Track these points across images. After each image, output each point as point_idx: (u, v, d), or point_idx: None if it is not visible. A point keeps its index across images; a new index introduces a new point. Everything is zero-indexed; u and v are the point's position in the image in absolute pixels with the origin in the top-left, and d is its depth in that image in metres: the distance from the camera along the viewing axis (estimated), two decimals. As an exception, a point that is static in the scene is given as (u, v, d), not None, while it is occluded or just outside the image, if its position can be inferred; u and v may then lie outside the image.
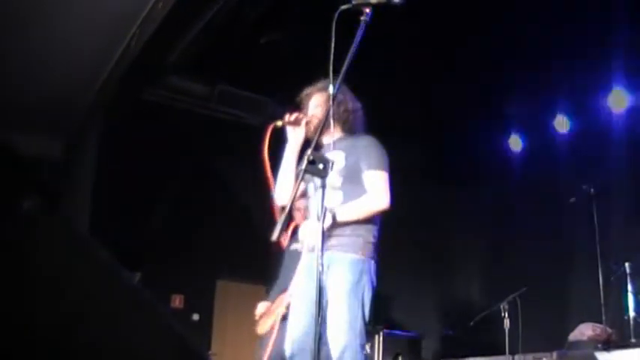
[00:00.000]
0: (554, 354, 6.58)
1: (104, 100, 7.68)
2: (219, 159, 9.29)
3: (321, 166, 3.04)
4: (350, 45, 3.17)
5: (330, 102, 3.41)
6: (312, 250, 3.99)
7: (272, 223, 4.28)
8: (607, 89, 7.93)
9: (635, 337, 6.32)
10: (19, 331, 1.10)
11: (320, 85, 4.17)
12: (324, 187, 3.11)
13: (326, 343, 3.75)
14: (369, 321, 7.19)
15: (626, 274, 6.54)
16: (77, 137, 8.19)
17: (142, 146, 8.26)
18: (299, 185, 3.25)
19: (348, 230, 3.85)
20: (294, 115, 4.14)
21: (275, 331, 6.40)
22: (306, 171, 3.05)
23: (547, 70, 7.75)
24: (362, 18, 3.20)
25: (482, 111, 8.68)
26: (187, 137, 8.96)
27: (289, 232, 6.60)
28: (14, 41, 6.51)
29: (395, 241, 9.22)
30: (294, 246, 6.32)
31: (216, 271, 9.39)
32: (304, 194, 4.16)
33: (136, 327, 1.28)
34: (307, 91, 4.30)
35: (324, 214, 3.11)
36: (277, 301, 6.40)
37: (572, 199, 7.19)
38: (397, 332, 7.85)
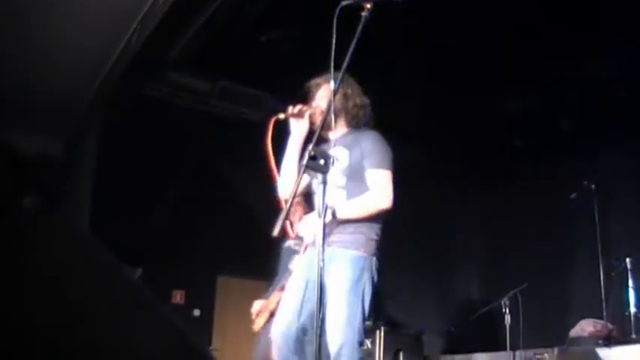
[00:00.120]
0: (555, 350, 6.58)
1: (105, 97, 7.67)
2: (221, 156, 9.28)
3: (322, 161, 3.03)
4: (351, 41, 3.17)
5: (332, 97, 3.40)
6: (313, 244, 4.00)
7: (274, 218, 4.30)
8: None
9: (636, 332, 6.33)
10: (19, 331, 1.10)
11: (330, 76, 4.14)
12: (325, 183, 3.10)
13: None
14: (370, 317, 7.27)
15: (626, 270, 6.55)
16: (78, 135, 8.18)
17: (142, 143, 8.25)
18: (300, 180, 3.25)
19: (350, 227, 3.84)
20: (298, 108, 4.12)
21: (265, 329, 6.48)
22: (307, 166, 3.04)
23: (547, 66, 7.74)
24: (363, 14, 3.19)
25: (482, 109, 8.67)
26: (188, 134, 8.95)
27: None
28: (14, 39, 6.50)
29: (396, 238, 9.23)
30: (288, 243, 6.34)
31: (218, 267, 9.38)
32: (309, 189, 4.14)
33: (137, 325, 1.28)
34: (317, 80, 4.26)
35: (325, 210, 3.10)
36: (271, 298, 6.43)
37: (573, 195, 7.19)
38: (398, 328, 7.85)
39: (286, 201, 3.45)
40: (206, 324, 9.14)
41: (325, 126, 3.50)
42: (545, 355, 6.71)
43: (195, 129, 8.95)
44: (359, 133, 4.11)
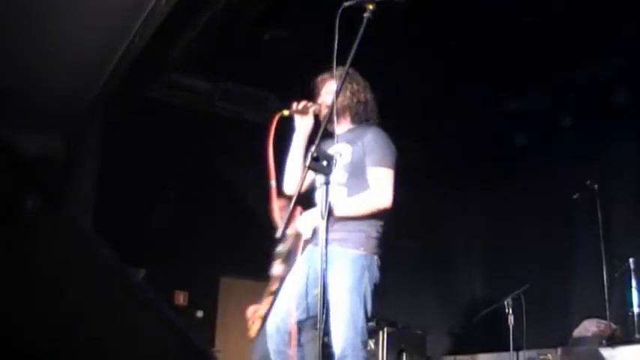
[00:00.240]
0: (559, 350, 6.57)
1: (106, 97, 7.67)
2: (223, 156, 9.29)
3: (324, 162, 3.03)
4: (353, 41, 3.17)
5: (334, 98, 3.40)
6: (311, 240, 3.99)
7: (272, 215, 4.28)
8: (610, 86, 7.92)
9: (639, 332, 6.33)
10: (20, 331, 1.09)
11: (336, 72, 4.13)
12: (327, 183, 3.09)
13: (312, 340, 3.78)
14: (374, 318, 7.26)
15: (630, 270, 6.54)
16: (79, 135, 8.19)
17: (144, 143, 8.26)
18: (303, 181, 3.25)
19: (350, 225, 3.82)
20: (302, 104, 4.11)
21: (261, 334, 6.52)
22: (309, 168, 3.03)
23: (548, 65, 7.74)
24: (365, 15, 3.19)
25: (483, 109, 8.67)
26: (190, 134, 8.96)
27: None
28: (15, 38, 6.51)
29: (398, 238, 9.24)
30: (280, 247, 6.38)
31: (220, 268, 9.38)
32: (312, 184, 4.11)
33: (138, 325, 1.28)
34: (323, 76, 4.24)
35: (329, 210, 3.09)
36: (263, 303, 6.47)
37: (576, 195, 7.18)
38: (401, 328, 7.83)
39: (290, 197, 3.44)
40: (209, 325, 9.14)
41: (330, 123, 3.49)
42: (549, 355, 6.70)
43: (196, 129, 8.95)
44: (362, 129, 4.09)
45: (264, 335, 6.39)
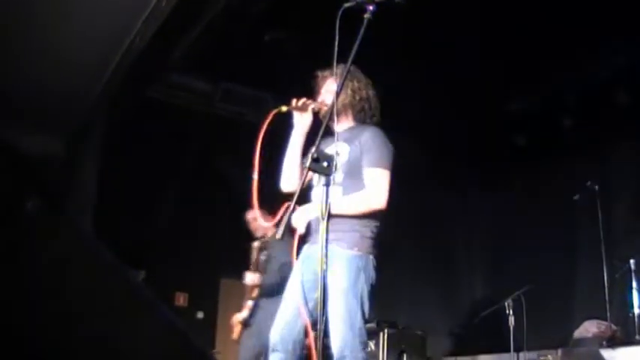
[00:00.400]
0: (559, 351, 6.58)
1: (108, 97, 7.67)
2: (224, 157, 9.28)
3: (325, 163, 3.02)
4: (353, 42, 3.17)
5: (334, 99, 3.40)
6: (307, 239, 3.98)
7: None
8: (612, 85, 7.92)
9: (640, 333, 6.32)
10: (20, 331, 1.09)
11: (337, 69, 4.12)
12: (327, 184, 3.08)
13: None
14: (374, 319, 7.26)
15: (630, 271, 6.53)
16: (80, 136, 8.19)
17: (145, 144, 8.26)
18: (304, 181, 3.24)
19: (344, 225, 3.75)
20: (302, 101, 4.09)
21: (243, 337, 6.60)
22: (309, 169, 3.02)
23: (548, 66, 7.74)
24: (365, 15, 3.19)
25: (483, 109, 8.67)
26: (190, 135, 8.96)
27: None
28: (17, 38, 6.51)
29: (400, 238, 9.26)
30: (263, 256, 6.43)
31: (221, 269, 9.38)
32: (309, 184, 4.09)
33: (139, 326, 1.28)
34: (324, 73, 4.23)
35: (329, 212, 3.07)
36: (244, 308, 6.55)
37: (577, 196, 7.18)
38: (402, 329, 7.83)
39: (288, 194, 3.42)
40: (209, 326, 9.14)
41: (330, 121, 3.48)
42: (549, 356, 6.70)
43: (197, 130, 8.95)
44: (361, 128, 4.05)
45: (250, 338, 6.46)
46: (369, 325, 7.21)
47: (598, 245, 6.84)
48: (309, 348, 3.71)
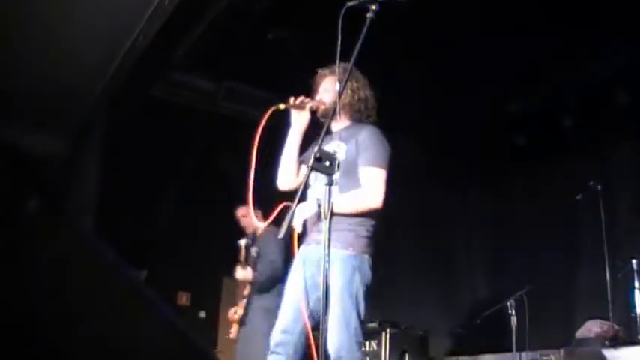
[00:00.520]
0: (561, 351, 6.57)
1: (110, 96, 7.67)
2: (226, 156, 9.28)
3: (327, 163, 3.02)
4: (355, 41, 3.17)
5: (337, 99, 3.40)
6: (304, 239, 3.97)
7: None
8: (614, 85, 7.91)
9: (642, 333, 6.32)
10: (20, 331, 1.09)
11: (334, 68, 4.11)
12: (330, 184, 3.07)
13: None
14: (376, 319, 7.27)
15: (632, 271, 6.52)
16: (82, 135, 8.19)
17: (147, 143, 8.26)
18: (305, 181, 3.24)
19: (339, 224, 3.68)
20: (300, 99, 4.09)
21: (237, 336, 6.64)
22: (312, 168, 3.02)
23: (548, 66, 7.74)
24: (368, 15, 3.19)
25: (483, 109, 8.67)
26: (193, 134, 8.96)
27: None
28: (18, 37, 6.51)
29: (400, 239, 9.26)
30: (254, 253, 6.46)
31: (223, 268, 9.39)
32: (306, 183, 4.08)
33: (140, 326, 1.27)
34: (323, 71, 4.24)
35: (331, 212, 3.07)
36: (239, 306, 6.58)
37: (579, 196, 7.18)
38: (404, 329, 7.83)
39: (284, 192, 3.41)
40: (211, 325, 9.14)
41: (328, 120, 3.48)
42: (552, 356, 6.70)
43: (199, 129, 8.95)
44: (358, 127, 4.05)
45: (248, 338, 6.48)
46: (371, 325, 7.25)
47: (600, 245, 6.83)
48: (309, 347, 3.71)
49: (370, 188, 3.86)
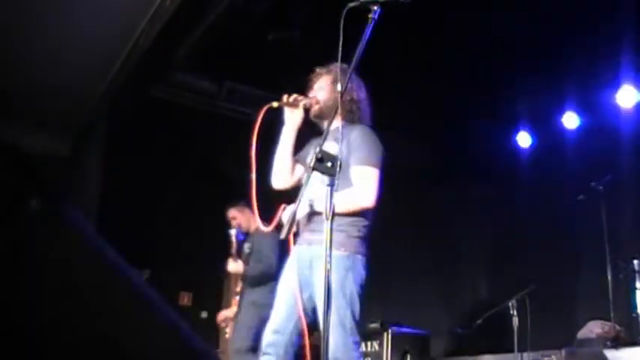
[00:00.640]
0: (563, 351, 6.56)
1: (111, 97, 7.68)
2: (227, 156, 9.28)
3: (329, 164, 3.01)
4: (357, 42, 3.17)
5: (338, 98, 3.39)
6: (297, 242, 3.96)
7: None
8: (616, 86, 7.89)
9: (644, 334, 6.31)
10: (20, 331, 1.09)
11: (330, 67, 4.10)
12: (332, 185, 3.06)
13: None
14: (378, 319, 7.26)
15: (634, 272, 6.51)
16: (84, 135, 8.19)
17: (149, 144, 8.27)
18: (306, 181, 3.24)
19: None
20: (293, 97, 4.08)
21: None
22: (314, 169, 3.02)
23: (555, 66, 7.72)
24: (370, 16, 3.18)
25: (489, 108, 8.65)
26: (195, 135, 8.96)
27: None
28: (20, 38, 6.51)
29: (403, 239, 9.26)
30: (247, 249, 6.48)
31: (225, 269, 9.38)
32: (300, 182, 4.06)
33: (142, 326, 1.27)
34: (318, 70, 4.24)
35: (333, 212, 3.05)
36: (232, 303, 6.61)
37: (581, 197, 7.17)
38: (405, 330, 7.83)
39: (279, 191, 3.41)
40: (213, 326, 9.14)
41: (322, 120, 3.47)
42: (553, 356, 6.69)
43: (200, 129, 8.96)
44: (349, 127, 4.00)
45: (239, 334, 6.48)
46: (372, 326, 7.26)
47: (602, 246, 6.83)
48: (303, 347, 3.71)
49: (362, 187, 3.84)
